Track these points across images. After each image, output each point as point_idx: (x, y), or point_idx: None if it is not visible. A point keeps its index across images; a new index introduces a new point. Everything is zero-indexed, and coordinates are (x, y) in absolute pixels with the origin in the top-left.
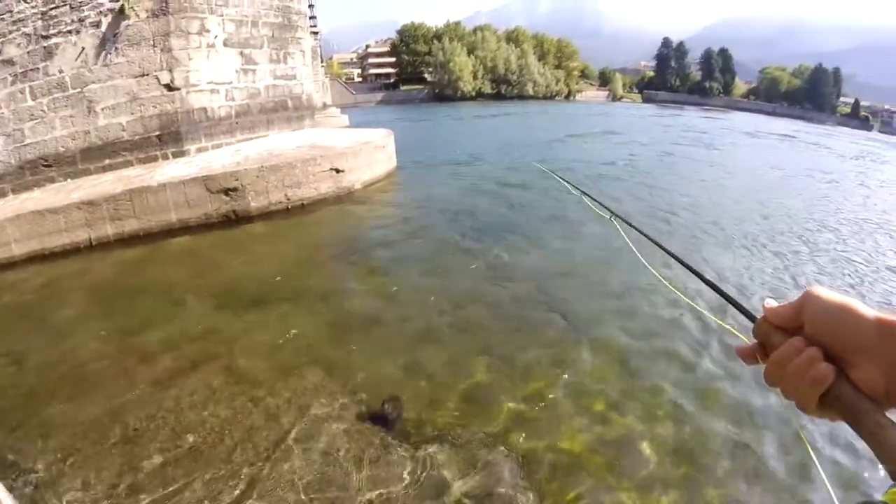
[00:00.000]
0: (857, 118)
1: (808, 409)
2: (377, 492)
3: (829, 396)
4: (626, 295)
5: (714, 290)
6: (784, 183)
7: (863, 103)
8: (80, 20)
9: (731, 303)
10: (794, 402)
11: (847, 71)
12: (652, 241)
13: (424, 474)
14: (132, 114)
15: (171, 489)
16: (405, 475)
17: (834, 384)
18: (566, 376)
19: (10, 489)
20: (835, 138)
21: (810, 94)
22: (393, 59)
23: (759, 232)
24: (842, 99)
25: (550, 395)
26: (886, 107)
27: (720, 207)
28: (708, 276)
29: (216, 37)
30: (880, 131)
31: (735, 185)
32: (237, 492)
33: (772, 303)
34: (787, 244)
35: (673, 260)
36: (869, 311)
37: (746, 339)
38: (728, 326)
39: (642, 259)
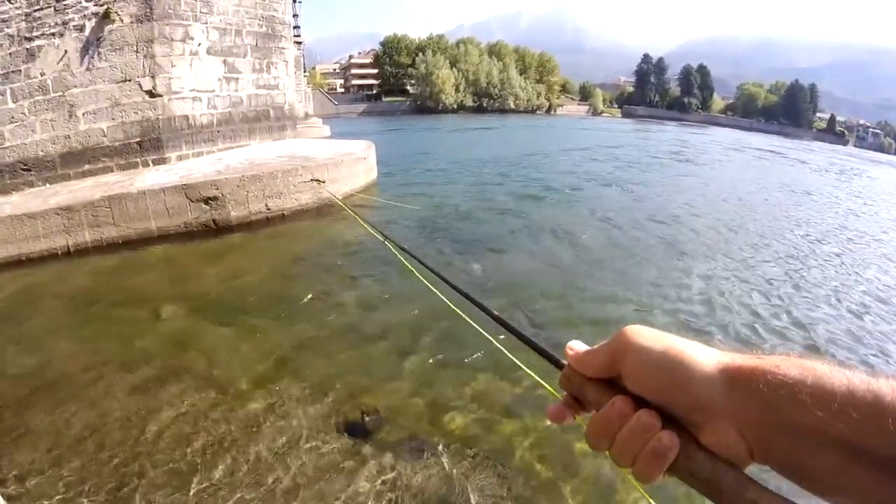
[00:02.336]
0: (833, 133)
1: (649, 482)
2: (356, 502)
3: (677, 470)
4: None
5: (508, 329)
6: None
7: (838, 118)
8: (64, 23)
9: (531, 346)
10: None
11: (823, 87)
12: (441, 277)
13: (404, 485)
14: (113, 119)
15: (147, 498)
16: (384, 486)
17: (682, 454)
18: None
19: None
20: (816, 153)
21: (787, 110)
22: (376, 71)
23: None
24: (818, 114)
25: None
26: (861, 122)
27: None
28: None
29: (200, 44)
30: (855, 146)
31: (723, 201)
32: (215, 502)
33: (577, 346)
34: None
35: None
36: (707, 358)
37: (551, 390)
38: (532, 374)
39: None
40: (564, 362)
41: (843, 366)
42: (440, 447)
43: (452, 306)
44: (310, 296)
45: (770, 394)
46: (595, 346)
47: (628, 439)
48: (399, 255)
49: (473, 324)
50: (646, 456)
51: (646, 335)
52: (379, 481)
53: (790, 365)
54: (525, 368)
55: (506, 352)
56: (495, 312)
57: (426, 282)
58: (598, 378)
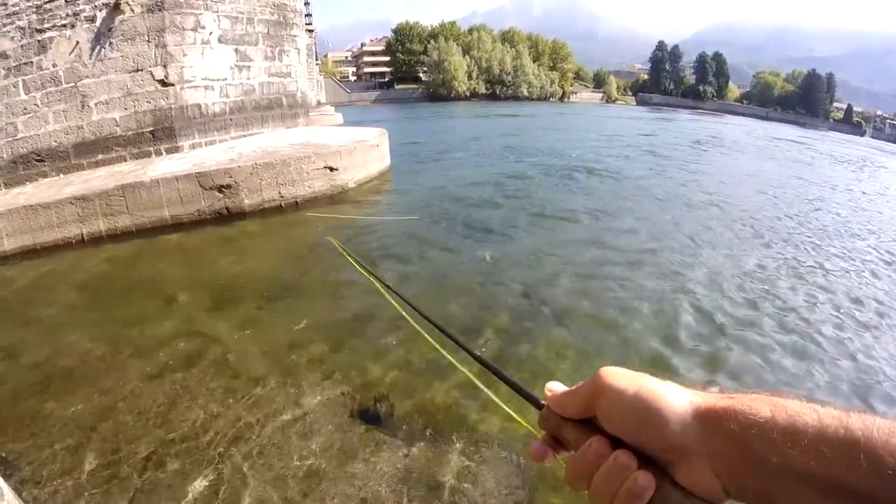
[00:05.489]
0: (850, 124)
1: None
2: (368, 487)
3: None
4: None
5: (489, 369)
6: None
7: (855, 109)
8: (75, 14)
9: (512, 387)
10: None
11: (839, 76)
12: (424, 315)
13: (416, 471)
14: (126, 109)
15: (163, 484)
16: (396, 471)
17: (658, 494)
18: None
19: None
20: (845, 145)
21: (803, 99)
22: (388, 58)
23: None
24: (835, 104)
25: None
26: (879, 113)
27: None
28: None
29: (211, 33)
30: (872, 137)
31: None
32: (229, 486)
33: (555, 388)
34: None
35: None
36: (679, 399)
37: (531, 427)
38: (514, 414)
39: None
40: (544, 403)
41: (815, 402)
42: (453, 437)
43: (439, 347)
44: (324, 282)
45: (742, 433)
46: (573, 388)
47: (605, 480)
48: (387, 295)
49: (457, 364)
50: (623, 496)
51: (621, 377)
52: (392, 466)
53: (761, 404)
54: (506, 408)
55: (490, 393)
56: (477, 353)
57: (414, 323)
58: (576, 419)
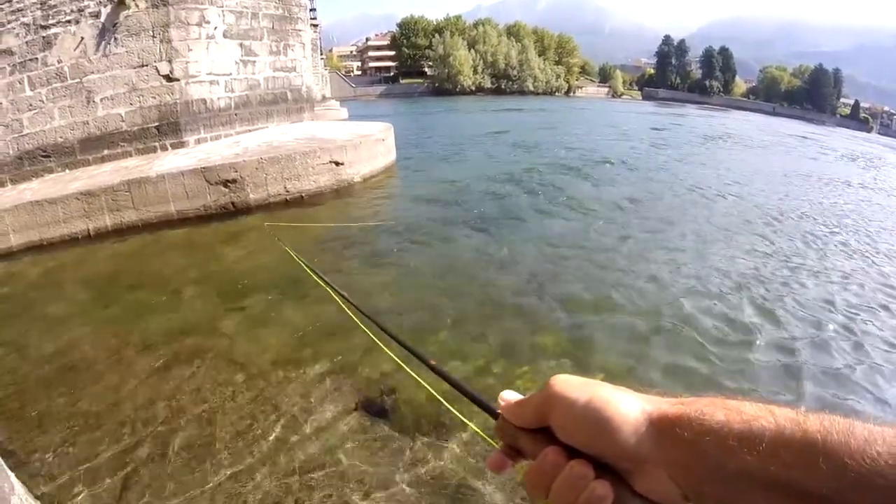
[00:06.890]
0: (857, 120)
1: None
2: (375, 482)
3: None
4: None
5: (444, 378)
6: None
7: (862, 105)
8: (80, 10)
9: (467, 396)
10: None
11: (846, 71)
12: (381, 326)
13: (422, 465)
14: (131, 104)
15: (169, 479)
16: (403, 466)
17: (617, 502)
18: (560, 369)
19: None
20: (855, 141)
21: (810, 95)
22: (393, 53)
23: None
24: (842, 100)
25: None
26: (886, 109)
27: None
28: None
29: (216, 28)
30: (879, 133)
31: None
32: (236, 481)
33: (509, 397)
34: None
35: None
36: (631, 407)
37: (488, 438)
38: (471, 425)
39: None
40: (500, 412)
41: (772, 403)
42: (459, 433)
43: (393, 356)
44: (330, 276)
45: (695, 440)
46: (526, 397)
47: (563, 490)
48: (341, 303)
49: (412, 373)
50: None
51: (572, 386)
52: (398, 459)
53: (715, 408)
54: (464, 419)
55: (446, 404)
56: (432, 362)
57: (368, 331)
58: (531, 428)
